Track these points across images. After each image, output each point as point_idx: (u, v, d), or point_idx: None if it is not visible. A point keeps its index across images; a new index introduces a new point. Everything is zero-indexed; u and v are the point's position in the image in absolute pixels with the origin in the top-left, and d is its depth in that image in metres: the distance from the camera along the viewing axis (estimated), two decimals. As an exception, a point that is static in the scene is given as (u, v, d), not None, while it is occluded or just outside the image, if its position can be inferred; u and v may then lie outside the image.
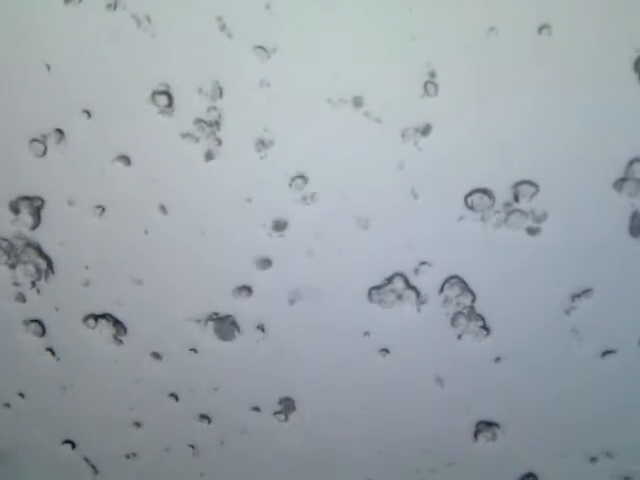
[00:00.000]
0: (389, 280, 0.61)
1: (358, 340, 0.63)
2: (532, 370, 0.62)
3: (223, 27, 0.55)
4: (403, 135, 0.56)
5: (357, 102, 0.56)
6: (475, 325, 0.61)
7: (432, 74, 0.55)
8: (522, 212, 0.57)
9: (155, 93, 0.57)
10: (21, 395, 0.68)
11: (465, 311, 0.61)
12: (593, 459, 0.64)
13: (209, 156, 0.58)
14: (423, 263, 0.60)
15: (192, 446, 0.68)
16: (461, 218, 0.58)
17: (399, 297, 0.61)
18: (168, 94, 0.57)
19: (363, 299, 0.61)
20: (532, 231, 0.58)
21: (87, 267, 0.63)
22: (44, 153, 0.60)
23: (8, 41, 0.57)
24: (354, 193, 0.59)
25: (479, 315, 0.61)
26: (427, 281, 0.60)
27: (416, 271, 0.60)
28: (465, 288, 0.60)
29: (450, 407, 0.64)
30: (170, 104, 0.57)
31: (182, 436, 0.68)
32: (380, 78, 0.55)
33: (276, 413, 0.66)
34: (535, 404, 0.63)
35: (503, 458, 0.65)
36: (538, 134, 0.55)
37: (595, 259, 0.58)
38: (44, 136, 0.59)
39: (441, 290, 0.60)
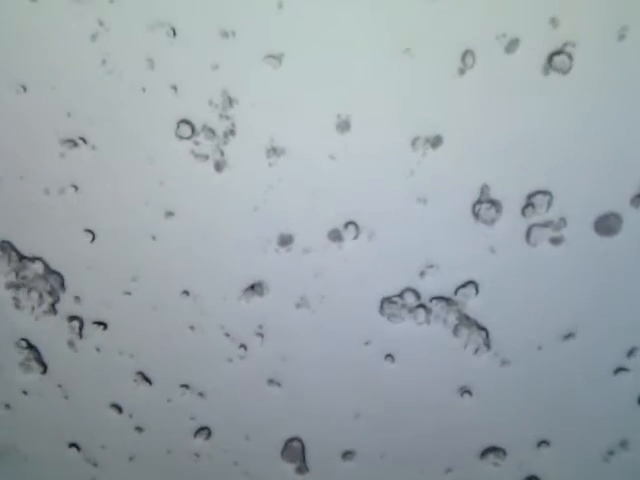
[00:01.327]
0: (400, 295, 0.60)
1: (362, 346, 0.63)
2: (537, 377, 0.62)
3: (233, 35, 0.54)
4: (413, 144, 0.56)
5: (367, 110, 0.55)
6: (479, 335, 0.61)
7: (443, 82, 0.54)
8: (538, 224, 0.57)
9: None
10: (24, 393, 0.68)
11: (469, 318, 0.60)
12: (603, 461, 0.64)
13: (219, 166, 0.58)
14: (431, 266, 0.60)
15: (196, 453, 0.68)
16: (470, 226, 0.58)
17: (410, 311, 0.61)
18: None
19: (374, 309, 0.61)
20: (554, 241, 0.58)
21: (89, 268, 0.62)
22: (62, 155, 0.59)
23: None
24: (362, 200, 0.58)
25: (483, 327, 0.60)
26: (435, 288, 0.60)
27: (422, 274, 0.60)
28: (470, 293, 0.60)
29: (454, 410, 0.64)
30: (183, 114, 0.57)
31: (184, 441, 0.68)
32: (390, 87, 0.55)
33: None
34: (541, 410, 0.63)
35: (506, 460, 0.65)
36: (555, 147, 0.55)
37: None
38: (66, 141, 0.59)
39: (449, 296, 0.60)
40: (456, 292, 0.60)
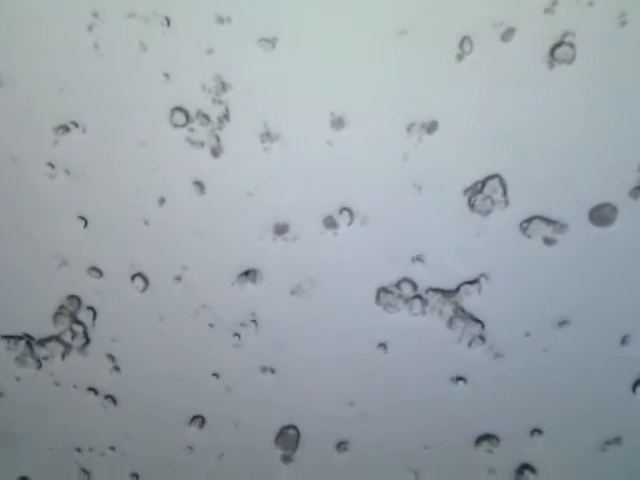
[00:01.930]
0: (397, 285, 0.60)
1: (356, 334, 0.62)
2: (531, 366, 0.62)
3: (228, 20, 0.53)
4: (408, 129, 0.55)
5: (363, 95, 0.55)
6: (474, 328, 0.61)
7: (440, 67, 0.53)
8: (535, 215, 0.57)
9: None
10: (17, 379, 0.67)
11: (465, 311, 0.60)
12: (596, 449, 0.65)
13: (215, 152, 0.58)
14: (419, 257, 0.59)
15: (190, 447, 0.68)
16: (463, 217, 0.57)
17: (406, 301, 0.60)
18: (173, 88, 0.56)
19: (370, 298, 0.61)
20: (551, 232, 0.57)
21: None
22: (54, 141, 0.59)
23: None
24: (357, 185, 0.58)
25: (478, 320, 0.60)
26: (431, 279, 0.60)
27: (415, 262, 0.60)
28: (466, 285, 0.60)
29: (448, 399, 0.64)
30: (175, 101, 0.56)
31: (179, 436, 0.68)
32: (386, 71, 0.54)
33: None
34: (534, 399, 0.63)
35: (499, 447, 0.65)
36: (554, 137, 0.55)
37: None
38: (59, 127, 0.58)
39: (445, 287, 0.60)
40: (452, 283, 0.60)
